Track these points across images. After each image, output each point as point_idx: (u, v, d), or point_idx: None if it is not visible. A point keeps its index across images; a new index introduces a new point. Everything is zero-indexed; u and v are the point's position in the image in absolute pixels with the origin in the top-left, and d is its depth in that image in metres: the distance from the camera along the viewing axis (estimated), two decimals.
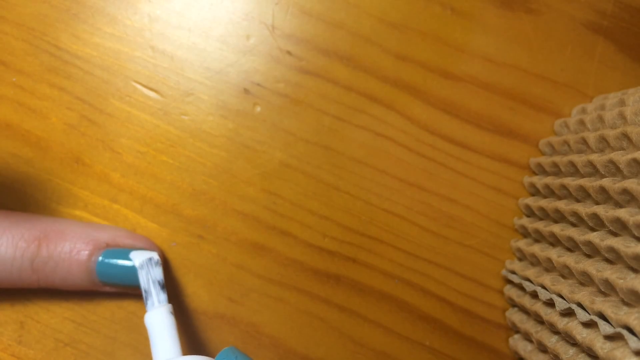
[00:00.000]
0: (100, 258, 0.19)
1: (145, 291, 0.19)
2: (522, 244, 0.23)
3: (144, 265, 0.19)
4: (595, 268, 0.17)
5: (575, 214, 0.20)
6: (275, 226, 0.23)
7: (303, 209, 0.23)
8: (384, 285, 0.23)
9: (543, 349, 0.20)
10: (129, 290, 0.20)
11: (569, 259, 0.19)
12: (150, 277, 0.19)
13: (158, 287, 0.19)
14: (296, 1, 0.24)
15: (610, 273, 0.16)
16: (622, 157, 0.17)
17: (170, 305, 0.18)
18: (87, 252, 0.19)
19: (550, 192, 0.22)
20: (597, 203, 0.19)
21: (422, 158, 0.24)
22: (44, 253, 0.19)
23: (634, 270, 0.16)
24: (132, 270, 0.19)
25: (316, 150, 0.23)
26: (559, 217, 0.21)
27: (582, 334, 0.17)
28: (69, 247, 0.19)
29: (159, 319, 0.18)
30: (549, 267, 0.21)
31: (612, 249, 0.17)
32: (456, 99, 0.24)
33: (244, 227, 0.23)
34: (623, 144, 0.18)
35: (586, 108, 0.23)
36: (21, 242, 0.19)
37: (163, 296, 0.18)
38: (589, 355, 0.17)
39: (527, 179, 0.24)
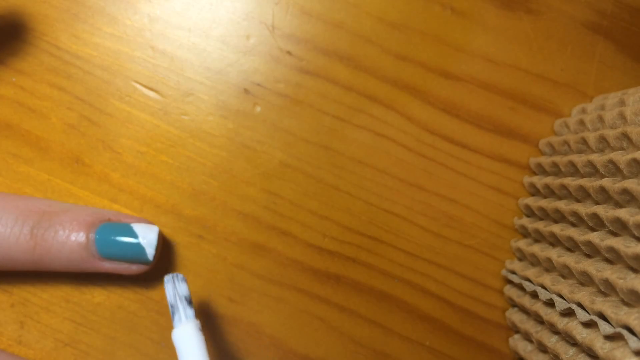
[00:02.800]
0: (101, 229, 0.19)
1: (172, 306, 0.18)
2: (522, 244, 0.23)
3: (170, 280, 0.18)
4: (595, 268, 0.17)
5: (575, 214, 0.20)
6: (275, 226, 0.23)
7: (303, 209, 0.23)
8: (384, 285, 0.23)
9: (543, 349, 0.20)
10: (125, 268, 0.20)
11: (569, 259, 0.19)
12: (177, 293, 0.18)
13: (185, 302, 0.18)
14: (296, 1, 0.24)
15: (610, 273, 0.16)
16: (622, 157, 0.17)
17: (198, 322, 0.18)
18: (88, 223, 0.19)
19: (550, 192, 0.22)
20: (597, 203, 0.19)
21: (422, 158, 0.24)
22: (45, 222, 0.19)
23: (634, 270, 0.16)
24: (133, 244, 0.19)
25: (316, 150, 0.23)
26: (559, 217, 0.21)
27: (582, 334, 0.17)
28: (71, 219, 0.19)
29: (187, 336, 0.17)
30: (549, 267, 0.21)
31: (612, 249, 0.17)
32: (456, 99, 0.24)
33: (244, 227, 0.23)
34: (623, 144, 0.18)
35: (586, 108, 0.23)
36: (25, 211, 0.19)
37: (190, 311, 0.18)
38: (589, 355, 0.17)
39: (527, 179, 0.24)
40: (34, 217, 0.19)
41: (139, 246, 0.19)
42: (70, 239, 0.19)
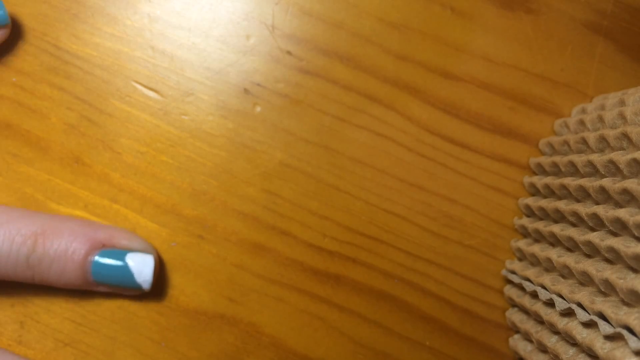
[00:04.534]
0: (96, 258, 0.19)
1: None
2: (522, 244, 0.23)
3: None
4: (595, 268, 0.17)
5: (575, 214, 0.20)
6: (275, 226, 0.23)
7: (303, 209, 0.23)
8: (384, 285, 0.23)
9: (543, 349, 0.20)
10: (122, 291, 0.20)
11: (569, 259, 0.19)
12: None
13: None
14: (296, 1, 0.24)
15: (610, 273, 0.16)
16: (622, 157, 0.17)
17: None
18: (83, 252, 0.19)
19: (550, 192, 0.22)
20: (597, 203, 0.19)
21: (422, 158, 0.24)
22: (39, 250, 0.19)
23: (634, 270, 0.16)
24: (127, 272, 0.20)
25: (316, 150, 0.23)
26: (559, 217, 0.21)
27: (582, 334, 0.17)
28: (65, 246, 0.19)
29: None
30: (549, 267, 0.21)
31: (612, 249, 0.17)
32: (456, 99, 0.24)
33: (244, 227, 0.23)
34: (623, 144, 0.18)
35: (586, 108, 0.23)
36: (17, 237, 0.19)
37: None
38: (589, 355, 0.17)
39: (527, 179, 0.24)
40: (28, 245, 0.19)
41: (135, 283, 0.20)
42: (67, 270, 0.19)
